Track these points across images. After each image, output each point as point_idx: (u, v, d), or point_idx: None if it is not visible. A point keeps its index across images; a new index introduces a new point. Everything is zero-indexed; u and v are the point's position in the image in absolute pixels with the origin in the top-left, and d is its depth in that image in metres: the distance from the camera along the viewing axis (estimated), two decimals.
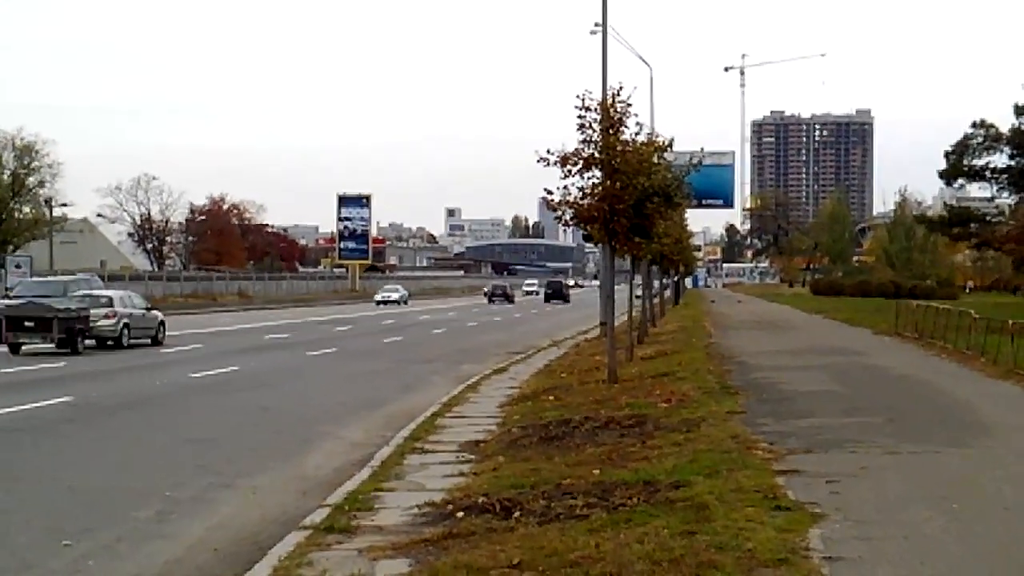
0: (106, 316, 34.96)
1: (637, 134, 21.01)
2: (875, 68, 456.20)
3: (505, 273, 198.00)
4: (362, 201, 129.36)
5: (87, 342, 33.86)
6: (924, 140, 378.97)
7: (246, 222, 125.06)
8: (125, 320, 35.59)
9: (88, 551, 10.16)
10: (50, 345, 32.82)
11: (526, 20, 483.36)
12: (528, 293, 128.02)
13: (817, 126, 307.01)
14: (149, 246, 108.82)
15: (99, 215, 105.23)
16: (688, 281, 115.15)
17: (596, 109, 20.34)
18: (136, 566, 9.76)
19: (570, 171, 20.52)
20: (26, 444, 16.24)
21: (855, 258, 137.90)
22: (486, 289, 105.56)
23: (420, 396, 22.53)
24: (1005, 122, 70.70)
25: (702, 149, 41.56)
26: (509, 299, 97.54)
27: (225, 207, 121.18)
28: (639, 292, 39.51)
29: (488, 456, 14.31)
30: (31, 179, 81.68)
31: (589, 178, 20.60)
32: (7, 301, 39.06)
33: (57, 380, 24.84)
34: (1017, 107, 69.26)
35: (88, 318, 33.97)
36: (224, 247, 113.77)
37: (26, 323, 33.13)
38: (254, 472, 14.11)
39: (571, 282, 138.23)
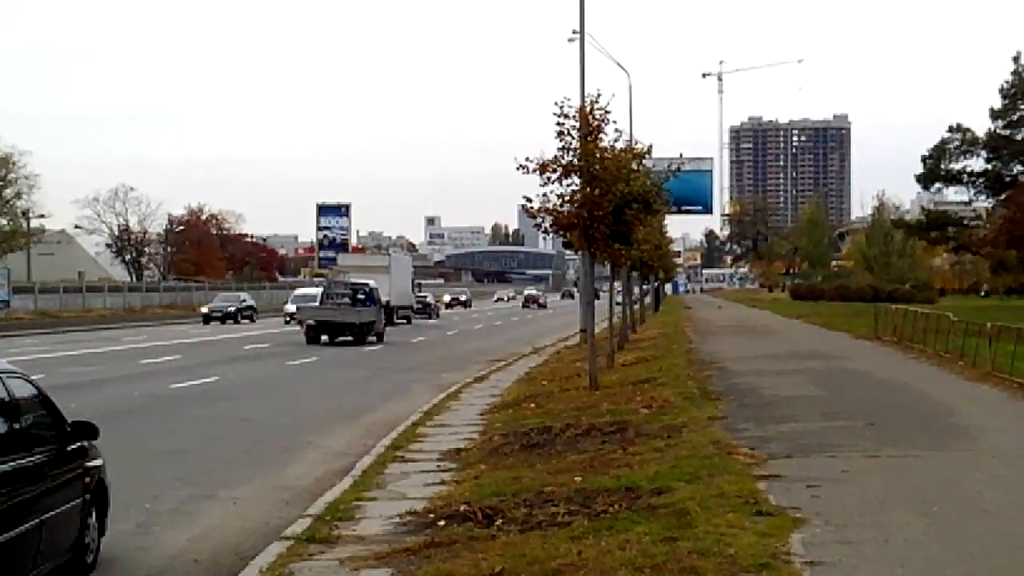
0: None
1: (616, 141, 21.12)
2: (852, 73, 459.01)
3: (495, 281, 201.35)
4: (341, 210, 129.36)
5: None
6: (901, 145, 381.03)
7: (225, 232, 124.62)
8: None
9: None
10: None
11: (505, 27, 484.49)
12: (498, 300, 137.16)
13: (795, 131, 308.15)
14: (127, 257, 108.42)
15: (77, 226, 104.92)
16: (668, 287, 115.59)
17: (575, 116, 20.37)
18: None
19: (549, 178, 20.56)
20: None
21: (834, 263, 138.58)
22: (508, 294, 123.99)
23: (401, 405, 22.49)
24: (981, 126, 71.27)
25: (681, 155, 41.85)
26: (542, 306, 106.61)
27: (204, 217, 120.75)
28: (619, 298, 39.61)
29: (470, 464, 14.29)
30: (8, 191, 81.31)
31: (568, 185, 20.65)
32: None
33: None
34: (993, 111, 69.71)
35: None
36: (203, 257, 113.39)
37: None
38: (235, 483, 14.06)
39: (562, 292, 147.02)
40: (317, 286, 66.82)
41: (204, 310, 71.36)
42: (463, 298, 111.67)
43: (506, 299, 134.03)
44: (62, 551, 9.01)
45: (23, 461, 8.16)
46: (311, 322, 45.74)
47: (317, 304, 48.67)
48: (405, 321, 64.84)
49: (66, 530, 9.03)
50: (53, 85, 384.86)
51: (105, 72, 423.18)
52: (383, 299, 52.21)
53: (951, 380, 22.45)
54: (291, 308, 62.19)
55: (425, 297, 79.92)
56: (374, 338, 46.23)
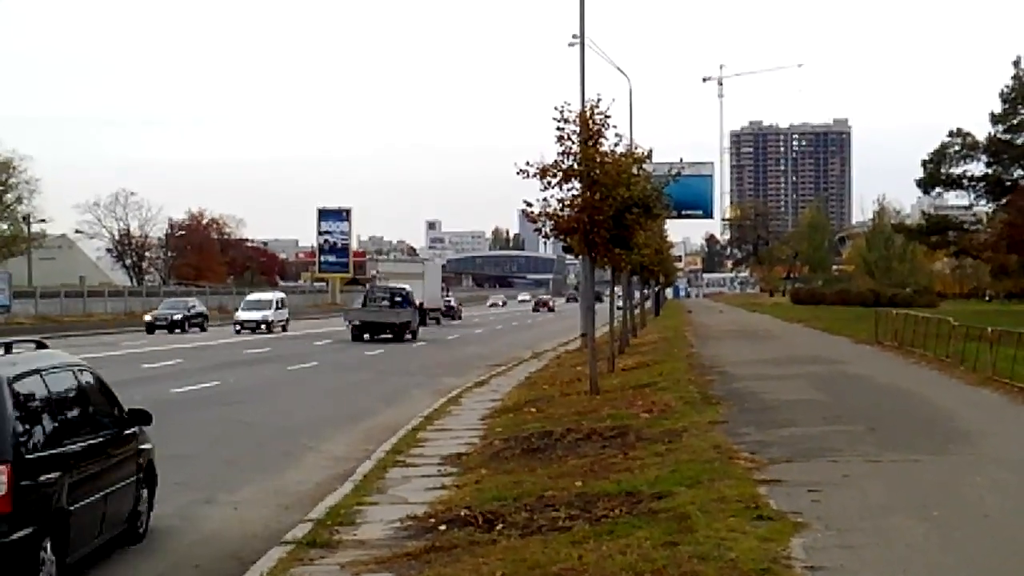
0: None
1: (616, 145, 21.14)
2: (852, 78, 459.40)
3: (496, 285, 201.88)
4: (342, 215, 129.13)
5: None
6: (902, 149, 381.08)
7: (226, 237, 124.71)
8: None
9: (69, 568, 10.09)
10: None
11: (506, 32, 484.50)
12: (492, 305, 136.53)
13: (795, 136, 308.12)
14: (128, 262, 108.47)
15: (78, 231, 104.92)
16: (669, 292, 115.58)
17: (575, 121, 20.38)
18: None
19: (549, 183, 20.58)
20: None
21: (835, 267, 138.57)
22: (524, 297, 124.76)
23: (402, 409, 22.49)
24: (982, 130, 71.25)
25: (681, 160, 41.79)
26: (551, 309, 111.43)
27: (204, 222, 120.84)
28: (620, 303, 39.62)
29: (470, 469, 14.30)
30: (9, 195, 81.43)
31: (568, 190, 20.66)
32: None
33: None
34: (993, 115, 69.72)
35: None
36: (204, 262, 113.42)
37: None
38: (236, 487, 14.06)
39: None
40: (271, 291, 67.36)
41: (148, 318, 62.40)
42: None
43: (500, 304, 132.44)
44: (120, 521, 10.55)
45: (92, 441, 9.82)
46: (356, 322, 51.01)
47: (361, 306, 54.36)
48: (435, 321, 69.19)
49: (124, 503, 10.60)
50: (54, 89, 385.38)
51: (106, 76, 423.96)
52: (417, 302, 57.52)
53: (952, 384, 22.44)
54: (242, 316, 60.63)
55: (450, 300, 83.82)
56: (410, 336, 51.35)
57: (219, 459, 16.29)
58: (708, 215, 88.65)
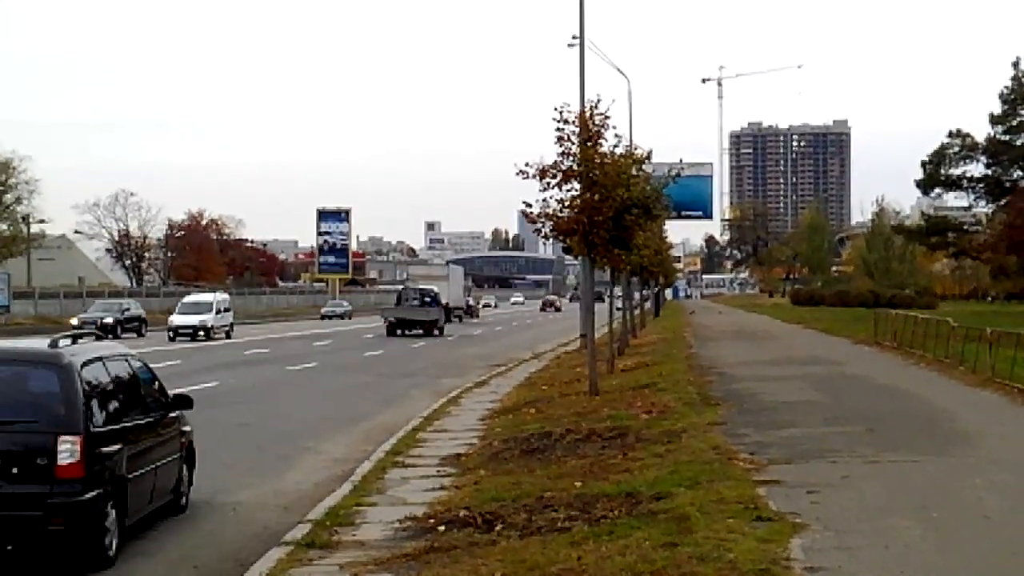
0: None
1: (616, 146, 21.12)
2: (852, 79, 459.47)
3: (496, 286, 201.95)
4: (341, 215, 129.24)
5: None
6: (901, 150, 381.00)
7: (225, 237, 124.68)
8: None
9: (68, 568, 10.09)
10: None
11: (505, 33, 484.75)
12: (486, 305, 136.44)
13: (795, 137, 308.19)
14: (128, 262, 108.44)
15: (77, 231, 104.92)
16: (668, 292, 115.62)
17: (574, 121, 20.38)
18: None
19: (549, 184, 20.57)
20: None
21: (834, 268, 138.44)
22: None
23: (401, 410, 22.49)
24: (981, 131, 71.22)
25: (681, 161, 41.95)
26: (558, 309, 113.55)
27: (204, 222, 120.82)
28: (619, 303, 39.61)
29: (469, 470, 14.30)
30: (8, 196, 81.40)
31: (568, 190, 20.65)
32: None
33: None
34: (993, 116, 69.72)
35: None
36: (203, 262, 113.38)
37: None
38: (234, 488, 14.06)
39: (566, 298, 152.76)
40: (207, 291, 64.29)
41: (74, 322, 53.74)
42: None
43: (492, 305, 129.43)
44: (166, 493, 12.06)
45: (143, 420, 11.29)
46: (391, 319, 57.77)
47: (395, 305, 61.45)
48: (457, 319, 76.00)
49: (169, 477, 12.08)
50: (53, 90, 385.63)
51: (106, 78, 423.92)
52: (443, 301, 65.07)
53: (951, 385, 22.44)
54: (177, 320, 54.36)
55: (468, 300, 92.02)
56: (437, 331, 57.22)
57: (218, 460, 16.24)
58: (708, 216, 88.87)
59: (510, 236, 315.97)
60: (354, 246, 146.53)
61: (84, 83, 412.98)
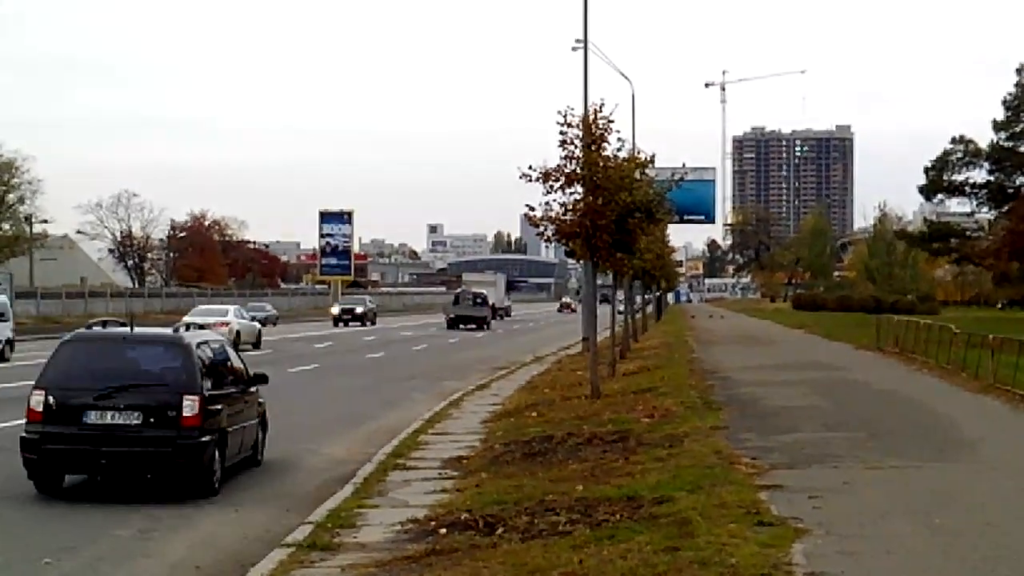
0: None
1: (619, 150, 21.14)
2: (855, 84, 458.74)
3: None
4: (344, 217, 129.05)
5: None
6: (904, 156, 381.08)
7: (227, 238, 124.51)
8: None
9: (69, 570, 10.11)
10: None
11: (509, 36, 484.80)
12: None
13: (798, 142, 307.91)
14: (130, 263, 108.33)
15: (79, 232, 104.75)
16: (670, 296, 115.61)
17: (578, 125, 20.41)
18: None
19: (552, 187, 20.61)
20: (4, 463, 16.10)
21: (836, 273, 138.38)
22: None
23: (402, 413, 22.49)
24: (984, 138, 71.16)
25: (683, 165, 41.92)
26: (572, 310, 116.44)
27: (206, 224, 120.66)
28: (621, 307, 39.59)
29: (471, 472, 14.30)
30: (11, 196, 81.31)
31: (571, 194, 20.68)
32: None
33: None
34: (996, 123, 69.69)
35: None
36: (205, 264, 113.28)
37: None
38: (235, 489, 14.06)
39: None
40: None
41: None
42: (359, 310, 76.74)
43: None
44: (248, 448, 15.31)
45: (234, 390, 14.74)
46: (451, 315, 70.19)
47: (454, 304, 73.18)
48: (499, 318, 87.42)
49: (250, 435, 15.36)
50: (56, 91, 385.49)
51: (109, 78, 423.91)
52: (491, 302, 78.10)
53: (953, 392, 22.43)
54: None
55: (506, 302, 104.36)
56: (486, 326, 69.36)
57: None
58: (710, 220, 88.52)
59: (512, 239, 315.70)
60: (356, 248, 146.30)
61: (87, 84, 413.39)
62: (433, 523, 10.79)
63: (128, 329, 14.46)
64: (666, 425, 16.70)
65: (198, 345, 13.98)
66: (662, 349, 38.30)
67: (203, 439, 13.15)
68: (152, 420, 13.05)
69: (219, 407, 13.76)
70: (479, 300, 73.15)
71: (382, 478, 14.11)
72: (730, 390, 22.37)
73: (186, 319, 52.31)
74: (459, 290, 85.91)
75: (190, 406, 13.08)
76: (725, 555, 8.45)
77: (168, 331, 15.05)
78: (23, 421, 13.41)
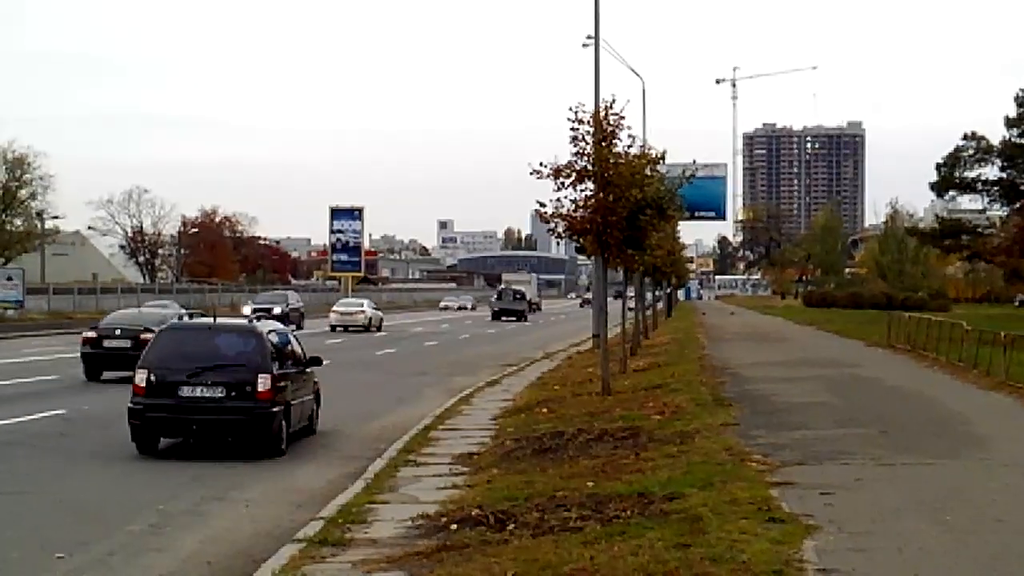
0: None
1: (630, 146, 21.09)
2: (866, 81, 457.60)
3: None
4: (354, 213, 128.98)
5: None
6: (915, 152, 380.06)
7: (238, 235, 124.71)
8: None
9: (81, 564, 10.14)
10: None
11: (519, 33, 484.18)
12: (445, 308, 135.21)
13: (809, 138, 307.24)
14: (141, 259, 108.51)
15: (91, 227, 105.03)
16: (681, 293, 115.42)
17: (589, 122, 20.37)
18: None
19: (563, 183, 20.58)
20: (17, 458, 16.17)
21: (847, 270, 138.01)
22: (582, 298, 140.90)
23: (413, 408, 22.50)
24: (996, 134, 70.89)
25: (694, 161, 41.83)
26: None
27: (217, 220, 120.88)
28: (632, 304, 39.55)
29: (482, 468, 14.30)
30: (23, 191, 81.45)
31: (582, 190, 20.64)
32: None
33: (46, 394, 24.63)
34: (1008, 119, 69.40)
35: None
36: (216, 260, 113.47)
37: None
38: (247, 485, 14.09)
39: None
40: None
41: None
42: (277, 310, 56.79)
43: (455, 308, 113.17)
44: (306, 418, 18.14)
45: (294, 370, 17.52)
46: (496, 309, 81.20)
47: (497, 299, 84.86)
48: (533, 311, 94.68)
49: (307, 409, 18.21)
50: (68, 87, 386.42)
51: (120, 75, 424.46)
52: (528, 298, 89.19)
53: (965, 389, 22.39)
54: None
55: (538, 297, 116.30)
56: (525, 319, 79.10)
57: (229, 457, 16.29)
58: (721, 217, 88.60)
59: (523, 235, 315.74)
60: (367, 244, 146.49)
61: (99, 80, 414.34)
62: (444, 519, 10.79)
63: (212, 320, 17.63)
64: (677, 421, 16.68)
65: (268, 333, 16.96)
66: (673, 345, 38.24)
67: (273, 409, 15.97)
68: (233, 394, 15.89)
69: (284, 384, 16.52)
70: (518, 296, 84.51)
71: (393, 473, 14.11)
72: (741, 387, 22.35)
73: (335, 307, 65.10)
74: (501, 287, 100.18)
75: (263, 383, 15.87)
76: (736, 552, 8.45)
77: (244, 321, 18.40)
78: (22, 419, 13.64)
